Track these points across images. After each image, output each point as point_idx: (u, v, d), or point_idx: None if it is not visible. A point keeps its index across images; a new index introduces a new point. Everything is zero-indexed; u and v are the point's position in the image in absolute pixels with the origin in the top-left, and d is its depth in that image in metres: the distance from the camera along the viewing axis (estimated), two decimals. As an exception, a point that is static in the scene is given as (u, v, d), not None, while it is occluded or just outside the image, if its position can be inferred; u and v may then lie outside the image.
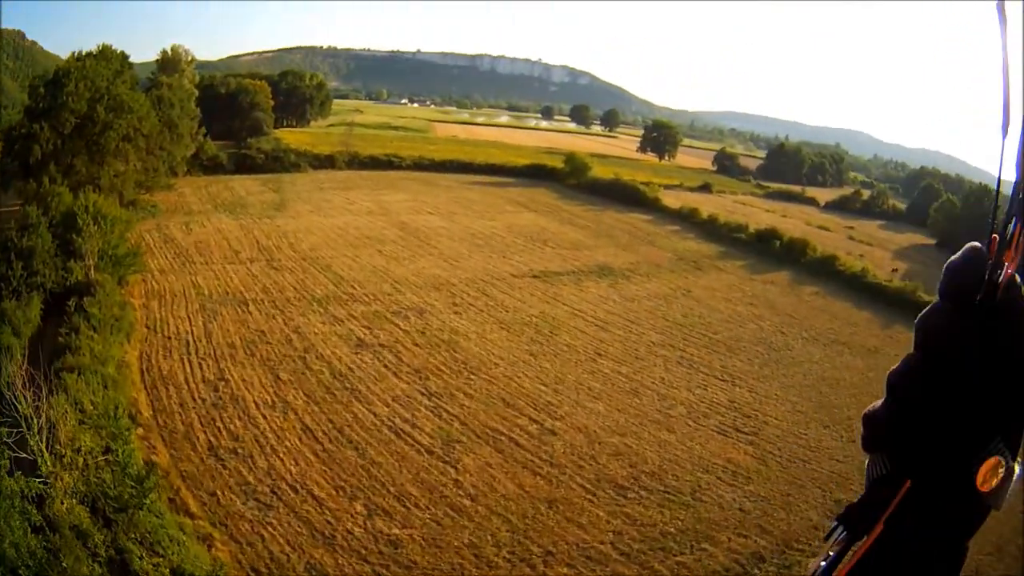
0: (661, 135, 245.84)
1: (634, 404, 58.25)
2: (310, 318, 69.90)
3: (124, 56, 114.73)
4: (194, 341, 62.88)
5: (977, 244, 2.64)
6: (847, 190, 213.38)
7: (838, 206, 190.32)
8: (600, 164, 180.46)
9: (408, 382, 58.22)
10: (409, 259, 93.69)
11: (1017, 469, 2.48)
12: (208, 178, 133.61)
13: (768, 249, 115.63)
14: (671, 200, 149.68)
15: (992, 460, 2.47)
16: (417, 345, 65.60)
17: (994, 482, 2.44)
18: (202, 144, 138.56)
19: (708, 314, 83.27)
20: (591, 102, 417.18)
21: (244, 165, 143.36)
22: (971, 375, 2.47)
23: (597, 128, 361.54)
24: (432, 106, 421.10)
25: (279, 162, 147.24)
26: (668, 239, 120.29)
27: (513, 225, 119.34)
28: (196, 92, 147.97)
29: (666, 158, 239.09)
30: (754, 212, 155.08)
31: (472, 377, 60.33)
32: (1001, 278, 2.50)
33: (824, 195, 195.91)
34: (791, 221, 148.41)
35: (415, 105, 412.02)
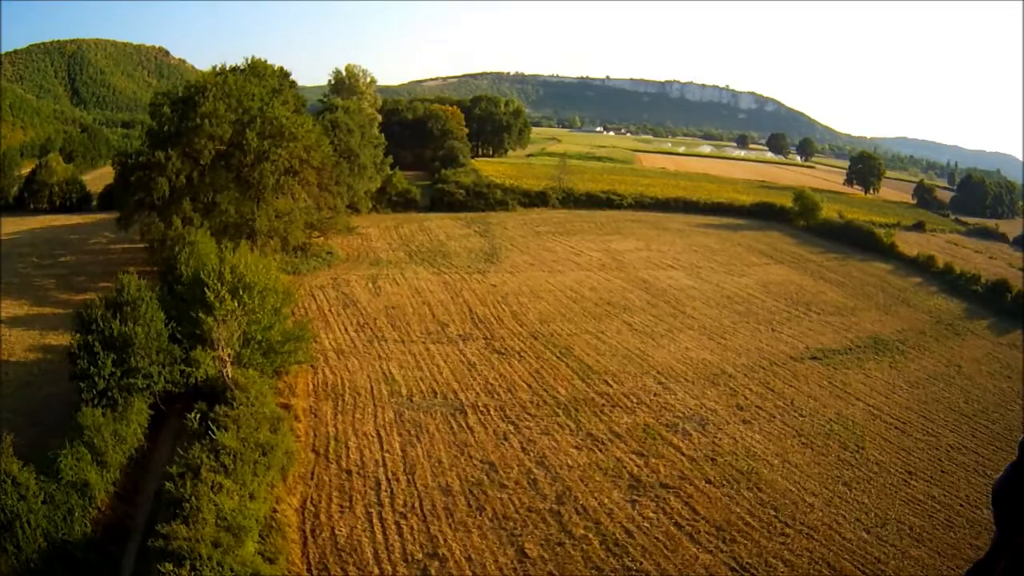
0: (866, 167, 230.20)
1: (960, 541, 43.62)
2: (558, 438, 50.92)
3: (284, 72, 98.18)
4: (388, 479, 44.29)
5: None
6: (1014, 224, 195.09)
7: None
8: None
9: (711, 550, 39.98)
10: (666, 335, 74.59)
11: None
12: (398, 216, 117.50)
13: (1002, 303, 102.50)
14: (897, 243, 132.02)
15: None
16: (710, 483, 46.81)
17: None
18: (389, 177, 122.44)
19: (984, 396, 67.44)
20: (778, 129, 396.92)
21: (441, 202, 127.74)
22: None
23: (794, 156, 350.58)
24: (628, 134, 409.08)
25: (483, 199, 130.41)
26: (917, 295, 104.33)
27: (767, 283, 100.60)
28: (379, 117, 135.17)
29: (871, 192, 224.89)
30: (967, 254, 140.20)
31: (787, 532, 42.58)
32: None
33: (1008, 229, 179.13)
34: (995, 263, 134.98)
35: (611, 133, 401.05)
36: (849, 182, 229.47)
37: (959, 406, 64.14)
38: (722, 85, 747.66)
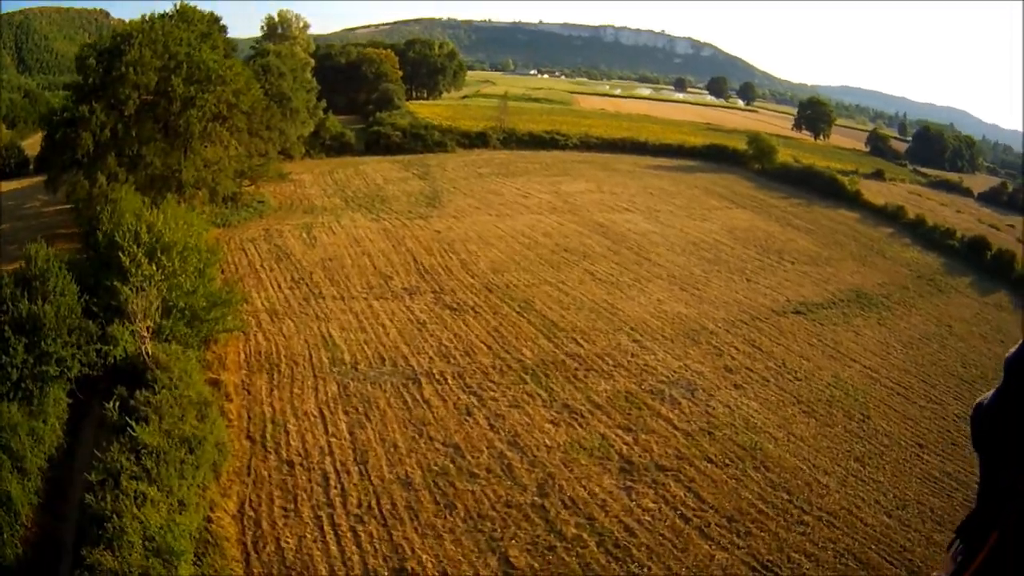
0: (815, 112, 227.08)
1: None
2: (530, 412, 43.83)
3: (214, 18, 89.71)
4: (337, 471, 36.97)
5: None
6: (985, 178, 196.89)
7: (990, 198, 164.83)
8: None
9: (726, 546, 34.09)
10: (634, 285, 68.03)
11: None
12: (332, 160, 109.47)
13: (980, 260, 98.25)
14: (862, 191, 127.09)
15: None
16: (711, 462, 40.63)
17: None
18: (323, 120, 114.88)
19: (981, 361, 63.28)
20: (716, 75, 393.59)
21: (376, 145, 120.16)
22: None
23: (735, 101, 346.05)
24: (563, 77, 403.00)
25: (420, 140, 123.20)
26: (891, 247, 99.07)
27: (732, 228, 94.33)
28: (312, 62, 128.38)
29: (821, 137, 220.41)
30: (933, 206, 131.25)
31: (806, 519, 37.12)
32: None
33: (971, 184, 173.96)
34: (964, 217, 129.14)
35: (545, 76, 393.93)
36: (798, 127, 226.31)
37: (958, 371, 60.17)
38: (657, 30, 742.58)
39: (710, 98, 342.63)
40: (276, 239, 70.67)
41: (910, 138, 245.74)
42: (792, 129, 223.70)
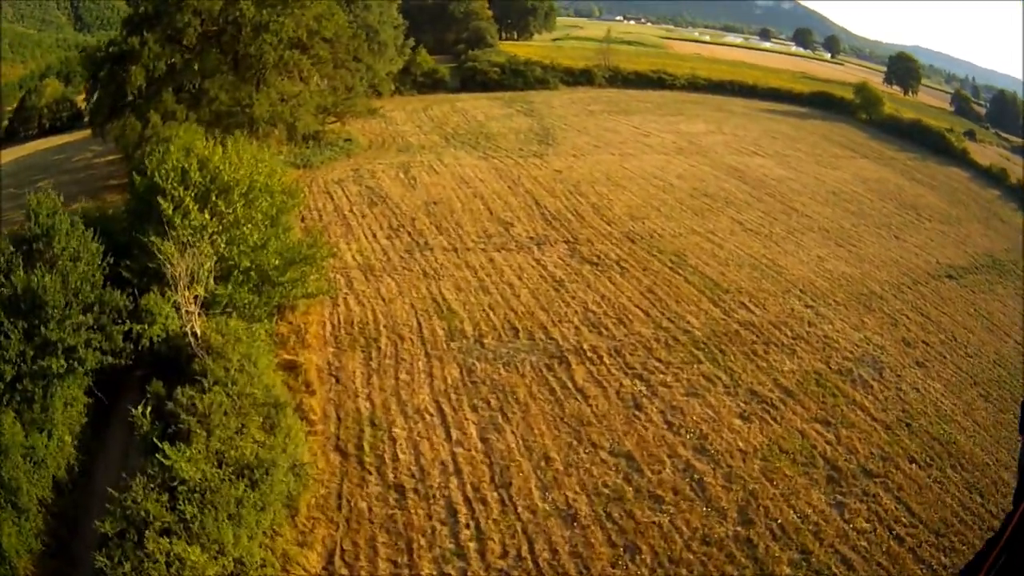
0: (904, 68, 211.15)
1: None
2: (712, 402, 33.89)
3: None
4: (467, 497, 26.74)
5: None
6: None
7: None
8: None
9: (935, 567, 26.37)
10: (788, 238, 58.18)
11: None
12: (426, 98, 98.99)
13: None
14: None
15: None
16: (914, 462, 32.23)
17: None
18: (413, 56, 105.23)
19: None
20: (795, 27, 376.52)
21: (472, 81, 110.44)
22: None
23: (821, 53, 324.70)
24: (648, 23, 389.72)
25: (520, 76, 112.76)
26: (1004, 210, 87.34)
27: (864, 178, 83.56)
28: None
29: (910, 93, 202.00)
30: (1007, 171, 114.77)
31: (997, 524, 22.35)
32: None
33: None
34: None
35: (631, 22, 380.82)
36: (888, 82, 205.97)
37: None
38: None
39: (796, 48, 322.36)
40: (368, 180, 59.67)
41: (983, 102, 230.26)
42: (883, 84, 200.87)
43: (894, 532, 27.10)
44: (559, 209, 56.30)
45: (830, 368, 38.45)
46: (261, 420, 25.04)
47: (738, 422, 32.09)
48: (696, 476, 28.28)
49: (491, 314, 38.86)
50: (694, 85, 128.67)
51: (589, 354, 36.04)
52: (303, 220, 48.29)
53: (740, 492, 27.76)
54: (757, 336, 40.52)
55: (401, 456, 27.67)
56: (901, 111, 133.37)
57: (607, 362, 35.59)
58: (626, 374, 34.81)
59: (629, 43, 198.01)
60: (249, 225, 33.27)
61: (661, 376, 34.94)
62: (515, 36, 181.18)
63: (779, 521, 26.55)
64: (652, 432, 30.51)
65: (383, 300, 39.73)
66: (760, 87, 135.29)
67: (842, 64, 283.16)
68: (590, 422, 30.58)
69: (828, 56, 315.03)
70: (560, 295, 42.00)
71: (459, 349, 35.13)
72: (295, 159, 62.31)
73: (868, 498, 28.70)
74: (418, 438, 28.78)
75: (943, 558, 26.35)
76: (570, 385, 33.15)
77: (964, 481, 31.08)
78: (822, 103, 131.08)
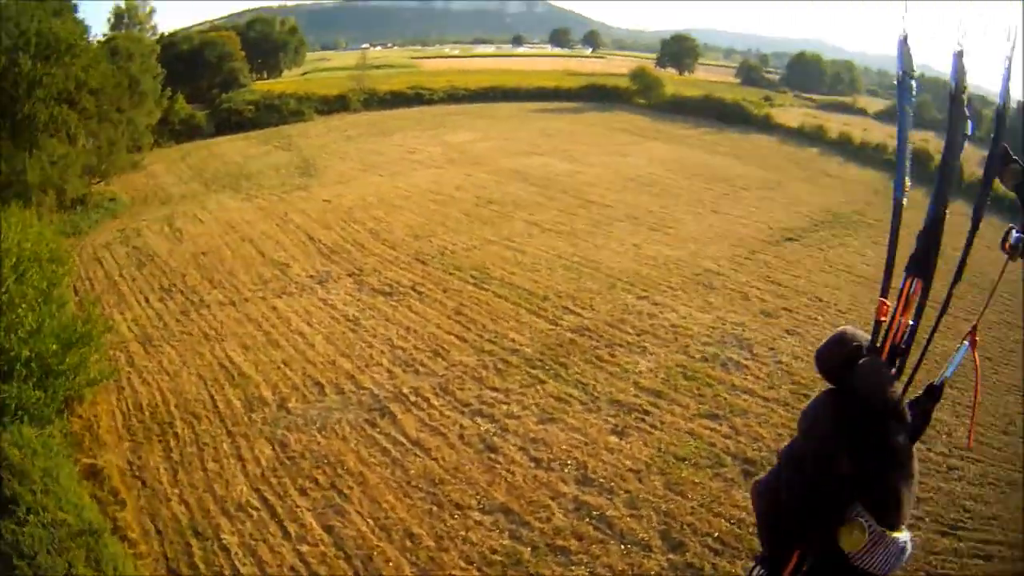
0: (680, 48, 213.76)
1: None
2: (573, 422, 29.76)
3: None
4: None
5: (845, 331, 2.83)
6: (869, 99, 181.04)
7: (888, 117, 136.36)
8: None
9: None
10: (596, 230, 54.94)
11: (900, 536, 2.51)
12: (184, 146, 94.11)
13: (924, 173, 76.93)
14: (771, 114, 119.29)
15: (850, 525, 2.50)
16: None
17: (858, 545, 2.47)
18: (171, 105, 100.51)
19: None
20: (552, 28, 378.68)
21: (228, 123, 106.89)
22: (829, 455, 2.55)
23: (580, 50, 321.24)
24: (395, 48, 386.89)
25: (275, 111, 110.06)
26: (829, 165, 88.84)
27: (661, 160, 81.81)
28: (157, 49, 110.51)
29: (686, 73, 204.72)
30: (838, 127, 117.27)
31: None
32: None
33: (867, 105, 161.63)
34: (875, 134, 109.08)
35: (378, 48, 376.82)
36: (661, 65, 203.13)
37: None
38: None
39: (555, 49, 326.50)
40: (134, 239, 53.54)
41: (776, 68, 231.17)
42: (656, 68, 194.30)
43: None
44: (336, 241, 51.63)
45: (692, 358, 35.52)
46: (84, 554, 19.88)
47: (614, 439, 28.15)
48: (594, 513, 24.09)
49: (288, 371, 33.33)
50: (453, 97, 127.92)
51: (412, 398, 31.15)
52: (76, 293, 42.16)
53: (653, 516, 24.12)
54: (596, 340, 36.82)
55: (243, 569, 21.97)
56: (683, 91, 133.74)
57: (436, 404, 30.86)
58: (463, 413, 30.13)
59: (378, 67, 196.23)
60: (24, 305, 27.81)
61: (504, 407, 30.59)
62: (265, 75, 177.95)
63: (713, 535, 23.40)
64: (520, 475, 25.87)
65: (168, 375, 33.48)
66: (524, 89, 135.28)
67: (603, 57, 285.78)
68: (443, 480, 25.72)
69: (589, 52, 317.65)
70: (359, 336, 36.89)
71: (263, 420, 29.64)
72: (65, 227, 56.14)
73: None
74: (252, 542, 22.96)
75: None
76: (403, 440, 28.12)
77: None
78: (596, 95, 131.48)
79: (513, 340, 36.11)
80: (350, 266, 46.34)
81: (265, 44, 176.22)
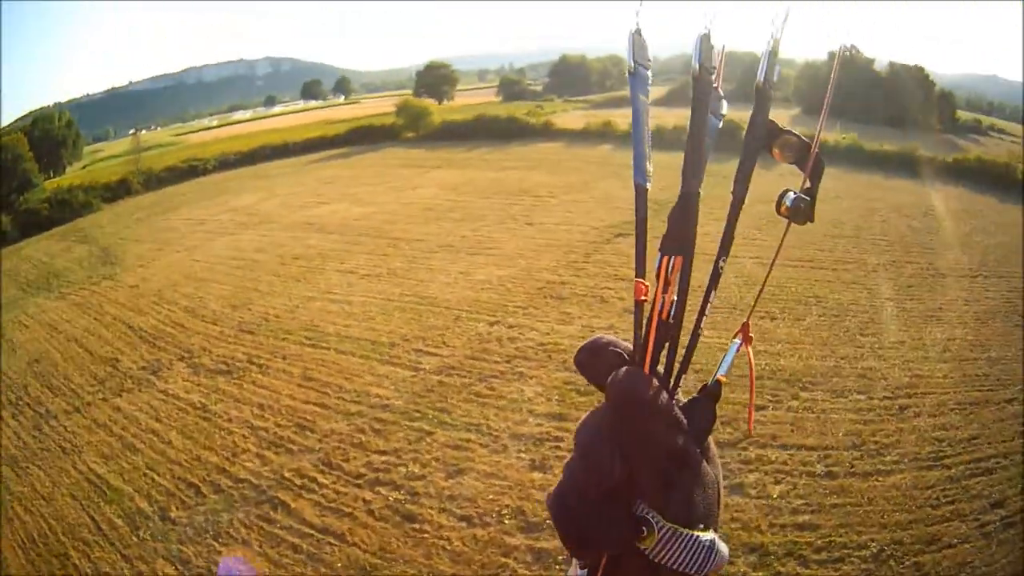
0: (437, 76, 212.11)
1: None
2: (485, 467, 27.34)
3: None
4: None
5: (598, 339, 2.67)
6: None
7: (667, 102, 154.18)
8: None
9: None
10: (413, 268, 52.76)
11: (702, 535, 2.35)
12: None
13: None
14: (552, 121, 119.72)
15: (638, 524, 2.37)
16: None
17: (650, 543, 2.32)
18: None
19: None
20: (300, 84, 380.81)
21: (31, 226, 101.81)
22: (602, 465, 2.32)
23: (333, 100, 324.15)
24: (158, 129, 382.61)
25: (68, 206, 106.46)
26: (627, 159, 66.18)
27: (451, 186, 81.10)
28: None
29: (445, 101, 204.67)
30: (619, 121, 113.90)
31: None
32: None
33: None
34: (668, 122, 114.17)
35: (143, 132, 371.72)
36: (418, 95, 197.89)
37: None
38: (236, 59, 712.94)
39: (308, 103, 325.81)
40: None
41: (534, 80, 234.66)
42: (414, 98, 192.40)
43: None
44: (155, 325, 47.79)
45: (575, 371, 31.58)
46: None
47: (538, 475, 25.45)
48: (559, 557, 21.60)
49: (155, 476, 29.79)
50: (226, 163, 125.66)
51: (298, 481, 27.81)
52: None
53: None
54: (466, 377, 33.99)
55: None
56: (450, 117, 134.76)
57: (327, 482, 27.65)
58: (360, 486, 26.87)
59: (149, 149, 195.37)
60: None
61: (402, 469, 27.31)
62: (52, 174, 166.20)
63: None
64: (457, 539, 22.84)
65: (44, 499, 29.80)
66: (293, 143, 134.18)
67: (357, 102, 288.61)
68: (375, 565, 22.63)
69: (342, 99, 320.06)
70: (214, 423, 33.31)
71: (152, 537, 25.92)
72: None
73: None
74: None
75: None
76: (309, 530, 24.70)
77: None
78: (362, 137, 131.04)
79: (378, 395, 33.43)
80: (178, 349, 42.69)
81: (48, 142, 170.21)
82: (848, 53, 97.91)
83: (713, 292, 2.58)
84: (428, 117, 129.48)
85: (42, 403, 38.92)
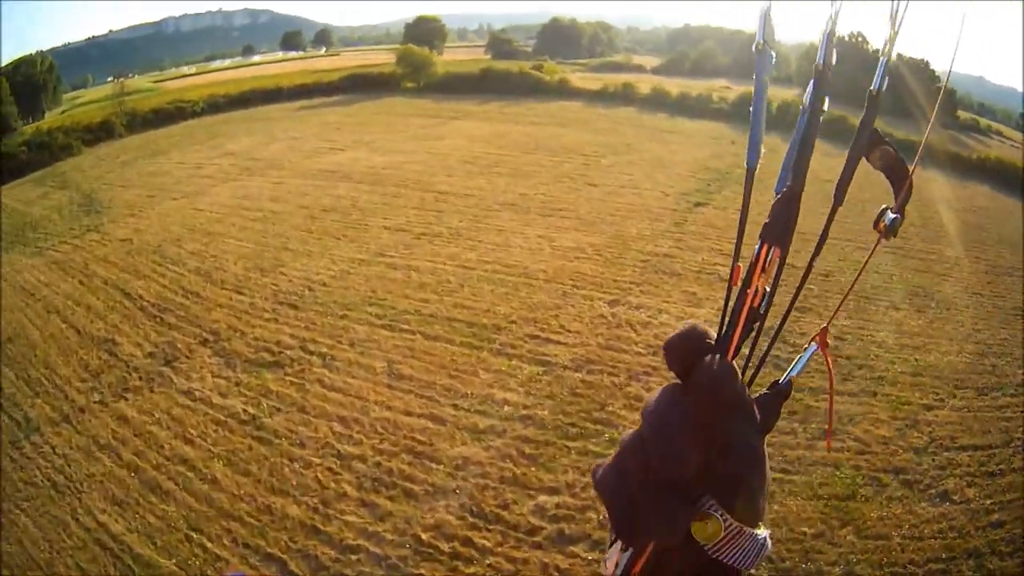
0: (427, 29, 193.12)
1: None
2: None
3: None
4: None
5: (694, 325, 2.45)
6: (640, 58, 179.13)
7: (664, 71, 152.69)
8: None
9: None
10: (477, 229, 42.00)
11: (759, 532, 2.31)
12: None
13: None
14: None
15: (704, 519, 2.30)
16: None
17: (714, 538, 2.27)
18: None
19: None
20: (278, 36, 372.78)
21: (9, 171, 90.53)
22: (676, 451, 2.27)
23: (313, 51, 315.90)
24: (136, 76, 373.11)
25: (47, 149, 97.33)
26: (658, 122, 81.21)
27: (485, 138, 70.28)
28: None
29: (435, 53, 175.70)
30: (621, 84, 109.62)
31: None
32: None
33: (642, 63, 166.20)
34: (674, 87, 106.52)
35: (122, 80, 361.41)
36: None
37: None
38: (214, 9, 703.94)
39: (289, 54, 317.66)
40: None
41: (520, 40, 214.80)
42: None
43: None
44: (160, 293, 35.11)
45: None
46: None
47: None
48: None
49: (206, 543, 18.66)
50: (215, 106, 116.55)
51: (446, 547, 17.93)
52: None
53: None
54: (613, 375, 24.97)
55: None
56: (452, 70, 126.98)
57: (489, 543, 18.17)
58: (542, 546, 17.84)
59: (130, 94, 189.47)
60: None
61: (587, 517, 18.73)
62: (31, 120, 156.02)
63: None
64: None
65: (40, 568, 18.92)
66: (285, 88, 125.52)
67: (338, 55, 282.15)
68: None
69: (323, 51, 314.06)
70: (276, 449, 21.61)
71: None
72: None
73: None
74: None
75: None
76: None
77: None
78: (362, 85, 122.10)
79: (508, 401, 23.23)
80: (196, 329, 30.28)
81: (29, 87, 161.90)
82: (855, 40, 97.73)
83: (802, 289, 2.49)
84: (431, 67, 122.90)
85: (19, 405, 26.36)
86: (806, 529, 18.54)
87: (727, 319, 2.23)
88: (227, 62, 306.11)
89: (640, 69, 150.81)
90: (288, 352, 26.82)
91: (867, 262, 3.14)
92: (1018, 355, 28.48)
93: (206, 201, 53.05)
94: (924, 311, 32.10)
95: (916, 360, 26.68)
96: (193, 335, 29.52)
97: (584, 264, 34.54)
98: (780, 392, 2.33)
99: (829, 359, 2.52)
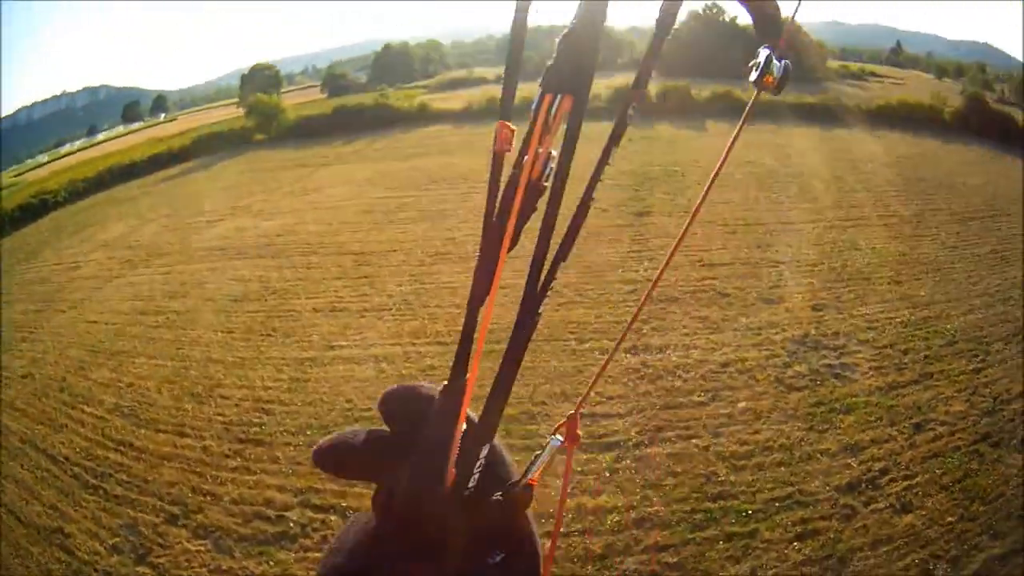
0: (263, 80, 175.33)
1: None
2: None
3: None
4: None
5: (419, 389, 2.16)
6: (481, 70, 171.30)
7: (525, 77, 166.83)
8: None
9: None
10: (431, 275, 36.47)
11: None
12: None
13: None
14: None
15: None
16: None
17: None
18: None
19: None
20: (119, 109, 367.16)
21: None
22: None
23: (153, 120, 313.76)
24: None
25: None
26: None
27: (366, 180, 65.86)
28: None
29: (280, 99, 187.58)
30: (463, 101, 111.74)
31: None
32: None
33: (483, 75, 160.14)
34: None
35: None
36: (244, 102, 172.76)
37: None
38: (59, 93, 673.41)
39: (130, 126, 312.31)
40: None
41: (351, 72, 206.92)
42: (238, 107, 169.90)
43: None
44: (86, 450, 25.00)
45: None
46: None
47: None
48: None
49: None
50: (76, 192, 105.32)
51: None
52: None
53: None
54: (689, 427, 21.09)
55: None
56: (303, 111, 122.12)
57: None
58: None
59: None
60: None
61: None
62: None
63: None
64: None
65: None
66: (139, 162, 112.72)
67: (175, 119, 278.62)
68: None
69: (163, 118, 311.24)
70: None
71: None
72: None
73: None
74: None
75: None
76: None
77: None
78: (211, 146, 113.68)
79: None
80: (151, 499, 21.74)
81: None
82: (711, 11, 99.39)
83: (613, 153, 1.97)
84: (282, 115, 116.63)
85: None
86: None
87: (494, 201, 1.84)
88: (77, 144, 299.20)
89: (484, 81, 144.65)
90: (289, 515, 18.86)
91: (740, 127, 2.31)
92: (1018, 297, 28.53)
93: (95, 310, 43.34)
94: (921, 278, 30.91)
95: (944, 328, 25.33)
96: (153, 510, 20.39)
97: (573, 310, 28.96)
98: (511, 501, 1.87)
99: (571, 461, 2.15)
